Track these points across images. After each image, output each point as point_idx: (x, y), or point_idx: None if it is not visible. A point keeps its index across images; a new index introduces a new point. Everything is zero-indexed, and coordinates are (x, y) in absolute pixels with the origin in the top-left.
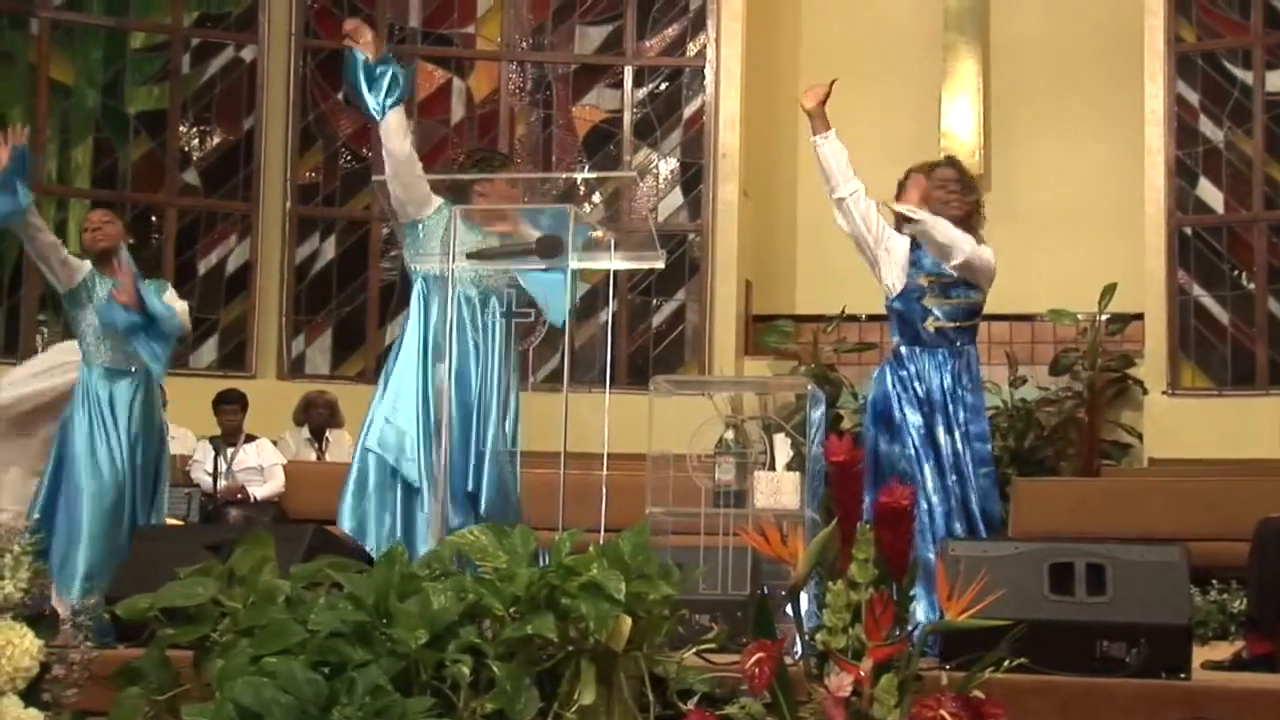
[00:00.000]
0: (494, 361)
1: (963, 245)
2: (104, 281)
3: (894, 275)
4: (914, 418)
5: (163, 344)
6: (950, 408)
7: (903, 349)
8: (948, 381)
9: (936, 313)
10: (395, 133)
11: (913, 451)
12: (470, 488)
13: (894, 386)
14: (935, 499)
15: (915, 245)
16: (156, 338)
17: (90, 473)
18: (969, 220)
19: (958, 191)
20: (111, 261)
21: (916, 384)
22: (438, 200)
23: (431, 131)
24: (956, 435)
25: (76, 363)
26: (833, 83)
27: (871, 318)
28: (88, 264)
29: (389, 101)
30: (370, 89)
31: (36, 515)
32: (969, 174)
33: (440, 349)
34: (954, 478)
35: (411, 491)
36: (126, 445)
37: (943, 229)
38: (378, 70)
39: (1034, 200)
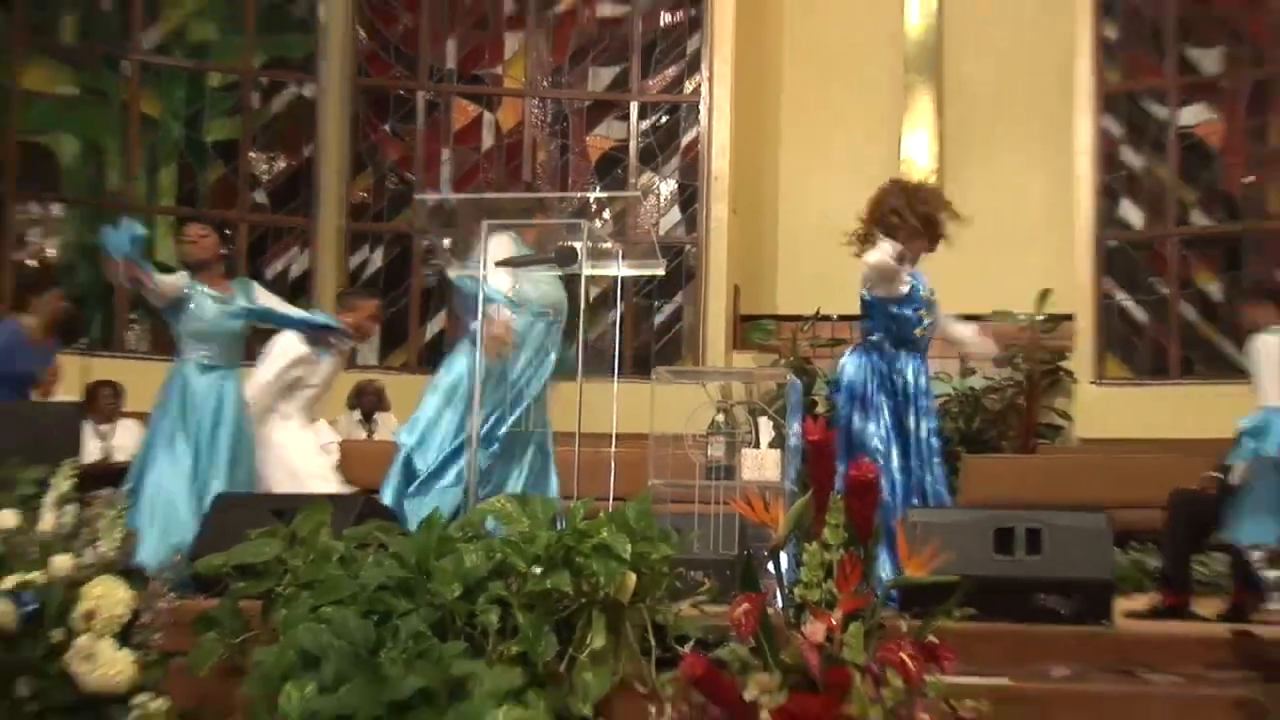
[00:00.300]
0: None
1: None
2: (201, 289)
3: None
4: (888, 403)
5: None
6: (920, 401)
7: (888, 345)
8: (921, 380)
9: (926, 323)
10: None
11: (884, 433)
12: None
13: (872, 373)
14: (899, 476)
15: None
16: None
17: (175, 453)
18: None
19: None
20: (207, 270)
21: (895, 376)
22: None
23: (465, 158)
24: (923, 426)
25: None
26: None
27: (842, 317)
28: (184, 278)
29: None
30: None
31: (129, 485)
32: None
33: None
34: (916, 461)
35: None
36: (209, 429)
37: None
38: None
39: (982, 218)
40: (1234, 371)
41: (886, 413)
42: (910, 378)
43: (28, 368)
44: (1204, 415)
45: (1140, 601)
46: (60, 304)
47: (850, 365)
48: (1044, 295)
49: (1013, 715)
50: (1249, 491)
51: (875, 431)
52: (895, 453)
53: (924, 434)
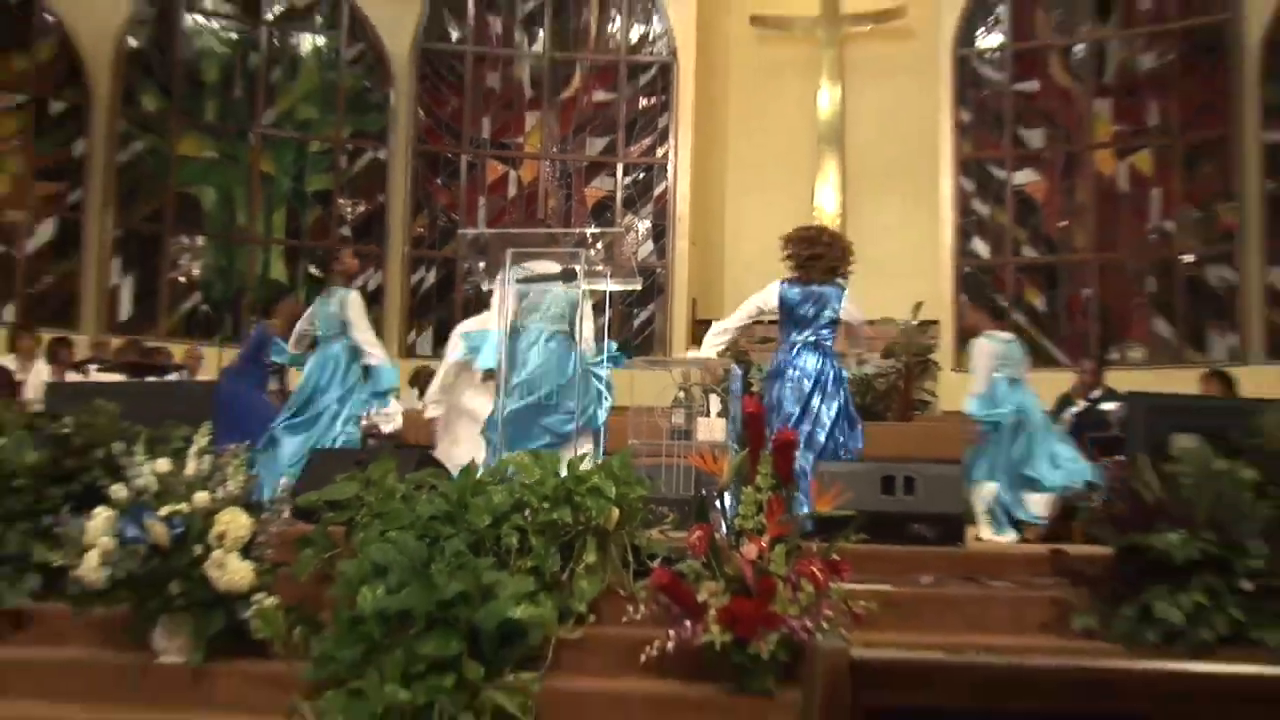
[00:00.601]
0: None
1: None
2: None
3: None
4: (806, 385)
5: None
6: (822, 382)
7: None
8: (823, 366)
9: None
10: None
11: (795, 410)
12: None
13: (788, 365)
14: (822, 437)
15: (788, 289)
16: None
17: (292, 413)
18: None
19: (828, 257)
20: (349, 285)
21: (806, 365)
22: None
23: (495, 204)
24: (826, 400)
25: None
26: None
27: (772, 322)
28: (301, 322)
29: None
30: None
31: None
32: (814, 237)
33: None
34: (822, 427)
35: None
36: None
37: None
38: None
39: (874, 250)
40: (1052, 362)
41: (803, 392)
42: (813, 365)
43: (272, 359)
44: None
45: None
46: (296, 309)
47: (775, 357)
48: (918, 306)
49: (893, 612)
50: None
51: (792, 402)
52: (808, 420)
53: (826, 403)
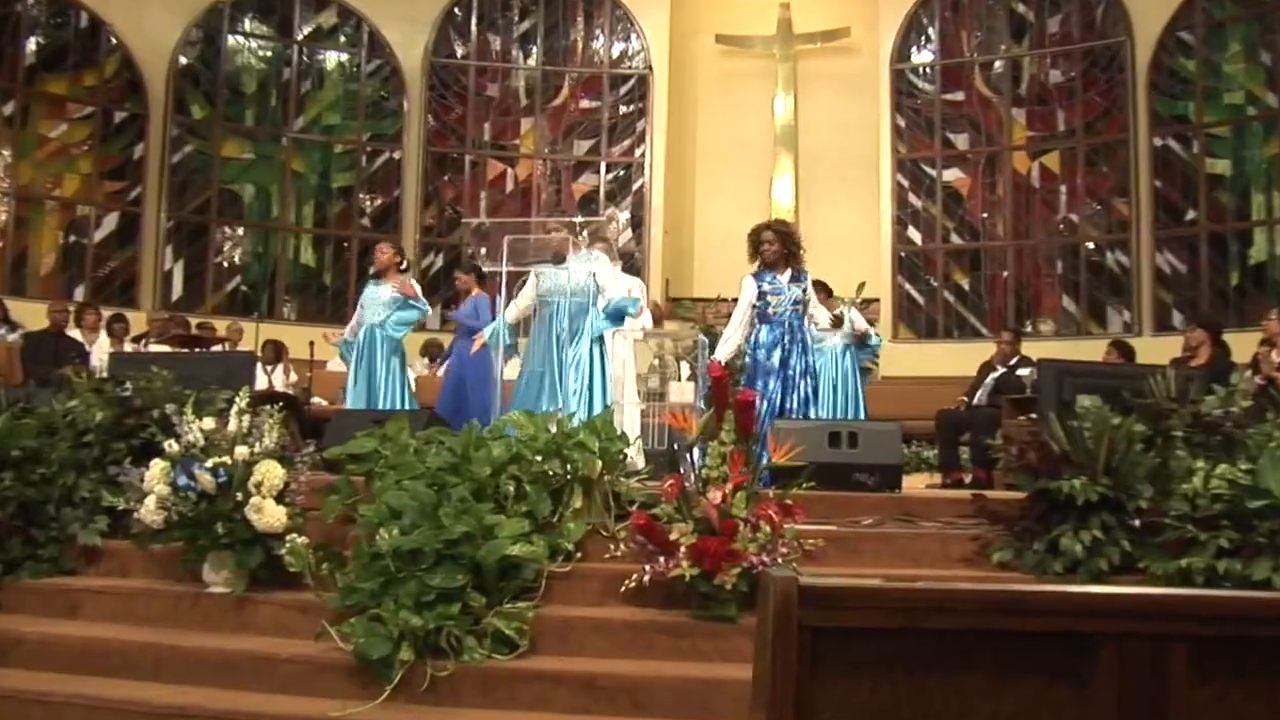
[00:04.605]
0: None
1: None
2: (379, 285)
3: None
4: (778, 355)
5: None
6: (789, 348)
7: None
8: (786, 337)
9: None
10: None
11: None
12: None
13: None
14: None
15: (759, 279)
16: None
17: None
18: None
19: (775, 242)
20: (388, 274)
21: (777, 336)
22: None
23: (495, 198)
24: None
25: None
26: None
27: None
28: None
29: None
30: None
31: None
32: (783, 230)
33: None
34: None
35: None
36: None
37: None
38: None
39: (824, 236)
40: (976, 334)
41: (774, 360)
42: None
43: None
44: (958, 362)
45: (920, 479)
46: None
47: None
48: (861, 286)
49: (838, 548)
50: None
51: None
52: (774, 384)
53: (795, 370)
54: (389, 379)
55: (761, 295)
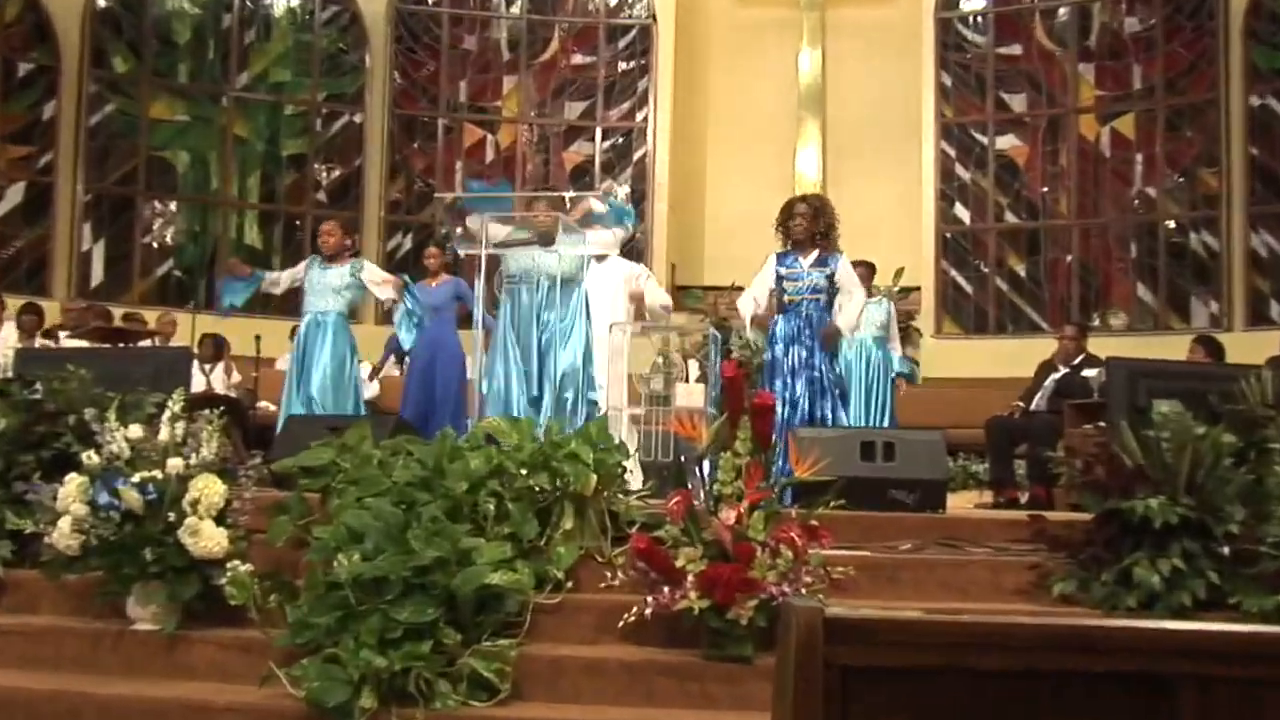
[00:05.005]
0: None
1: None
2: (323, 268)
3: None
4: (796, 351)
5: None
6: (810, 344)
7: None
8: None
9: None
10: None
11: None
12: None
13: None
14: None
15: (781, 259)
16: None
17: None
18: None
19: (806, 216)
20: (336, 256)
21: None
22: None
23: (472, 169)
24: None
25: None
26: None
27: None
28: (303, 264)
29: None
30: None
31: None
32: (816, 206)
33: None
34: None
35: None
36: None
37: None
38: None
39: (855, 216)
40: (1035, 329)
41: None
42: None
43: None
44: (1013, 361)
45: (968, 498)
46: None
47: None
48: (899, 272)
49: (870, 577)
50: None
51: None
52: (799, 386)
53: (810, 369)
54: (338, 377)
55: (779, 279)
